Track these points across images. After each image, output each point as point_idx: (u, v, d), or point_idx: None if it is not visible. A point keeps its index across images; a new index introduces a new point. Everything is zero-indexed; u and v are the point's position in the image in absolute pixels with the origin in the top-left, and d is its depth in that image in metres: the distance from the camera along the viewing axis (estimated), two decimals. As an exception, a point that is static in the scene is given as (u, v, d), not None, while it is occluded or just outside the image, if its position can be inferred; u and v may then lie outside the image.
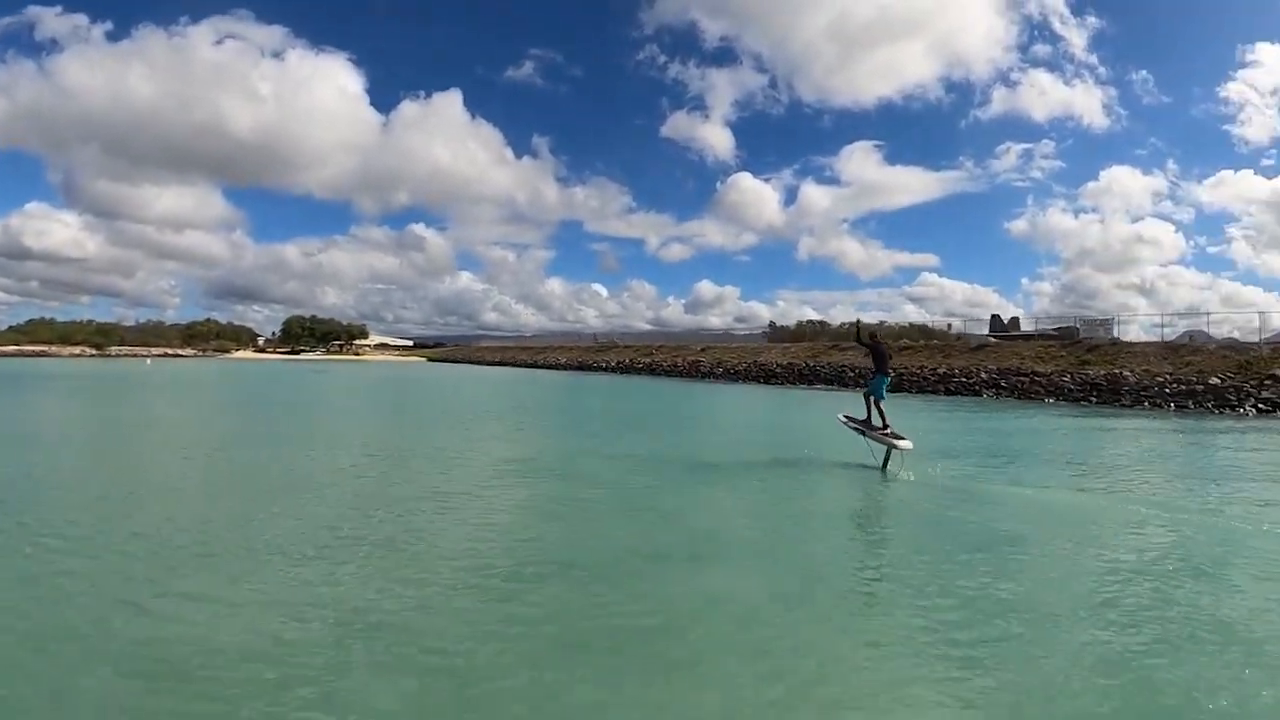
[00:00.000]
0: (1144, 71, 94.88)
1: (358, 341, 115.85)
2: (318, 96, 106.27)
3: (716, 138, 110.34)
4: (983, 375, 37.90)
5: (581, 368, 69.28)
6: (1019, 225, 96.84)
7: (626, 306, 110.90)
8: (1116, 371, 33.92)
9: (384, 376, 54.83)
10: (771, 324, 73.33)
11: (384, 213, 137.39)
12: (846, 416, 13.22)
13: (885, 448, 11.65)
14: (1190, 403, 29.41)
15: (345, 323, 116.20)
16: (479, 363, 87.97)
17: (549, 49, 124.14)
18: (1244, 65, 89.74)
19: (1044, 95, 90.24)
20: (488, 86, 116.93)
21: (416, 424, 20.47)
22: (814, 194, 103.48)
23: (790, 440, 17.72)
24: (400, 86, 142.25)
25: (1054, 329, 43.30)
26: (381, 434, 17.81)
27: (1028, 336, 43.25)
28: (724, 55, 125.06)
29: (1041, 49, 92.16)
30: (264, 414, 22.45)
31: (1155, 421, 24.12)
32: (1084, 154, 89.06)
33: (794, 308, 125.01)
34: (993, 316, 47.50)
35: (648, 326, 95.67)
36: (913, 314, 78.03)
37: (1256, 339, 36.23)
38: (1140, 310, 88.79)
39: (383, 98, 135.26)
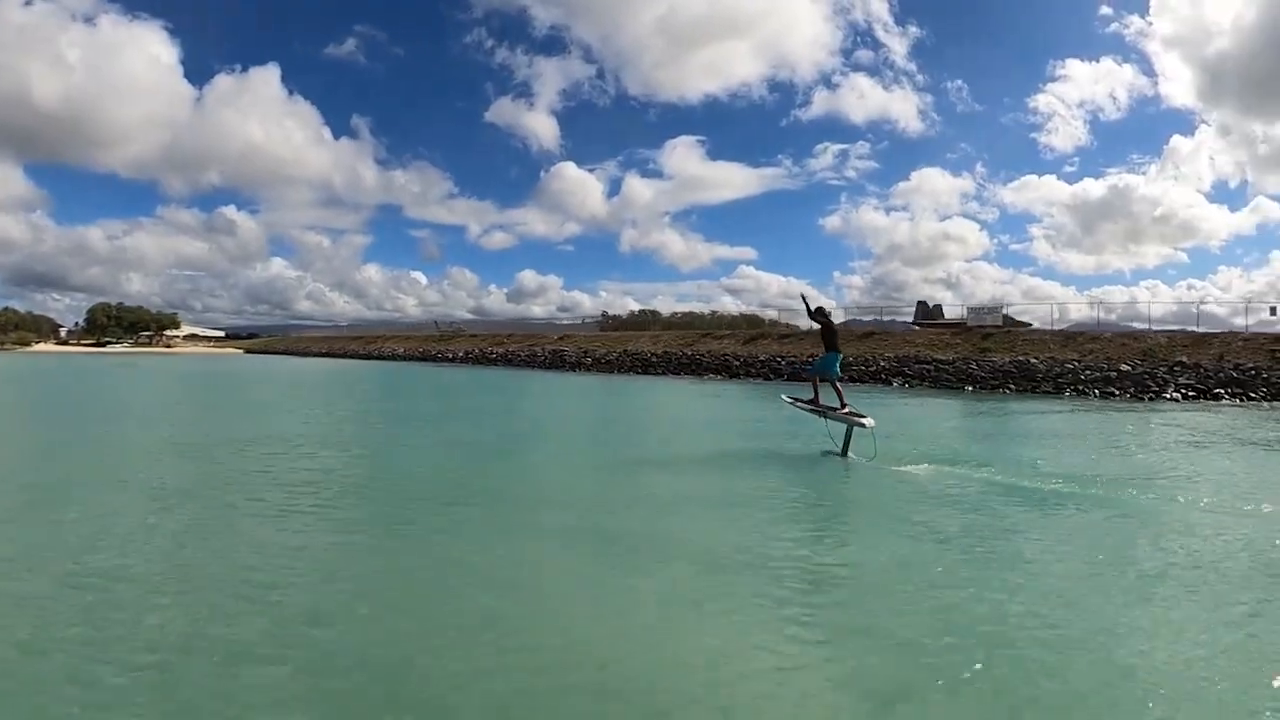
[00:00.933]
0: (959, 80, 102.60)
1: (168, 332, 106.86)
2: (129, 66, 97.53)
3: (541, 126, 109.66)
4: (880, 363, 34.45)
5: (425, 358, 60.35)
6: (833, 221, 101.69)
7: (447, 295, 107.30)
8: (1023, 359, 31.56)
9: (207, 370, 43.80)
10: (604, 314, 72.71)
11: (193, 194, 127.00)
12: (793, 399, 12.44)
13: (846, 429, 11.05)
14: (1113, 389, 27.23)
15: (155, 312, 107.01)
16: (302, 354, 76.13)
17: (373, 26, 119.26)
18: (1054, 79, 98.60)
19: (863, 99, 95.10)
20: (307, 63, 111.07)
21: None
22: (637, 186, 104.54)
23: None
24: (216, 59, 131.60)
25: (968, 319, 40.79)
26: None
27: (956, 325, 40.29)
28: (553, 44, 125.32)
29: (864, 54, 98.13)
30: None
31: (1092, 408, 22.51)
32: (898, 156, 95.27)
33: (617, 298, 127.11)
34: (919, 303, 44.48)
35: (469, 315, 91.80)
36: (730, 305, 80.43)
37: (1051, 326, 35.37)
38: (946, 302, 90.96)
39: (197, 70, 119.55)
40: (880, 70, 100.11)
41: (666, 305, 73.00)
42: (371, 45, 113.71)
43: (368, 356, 67.10)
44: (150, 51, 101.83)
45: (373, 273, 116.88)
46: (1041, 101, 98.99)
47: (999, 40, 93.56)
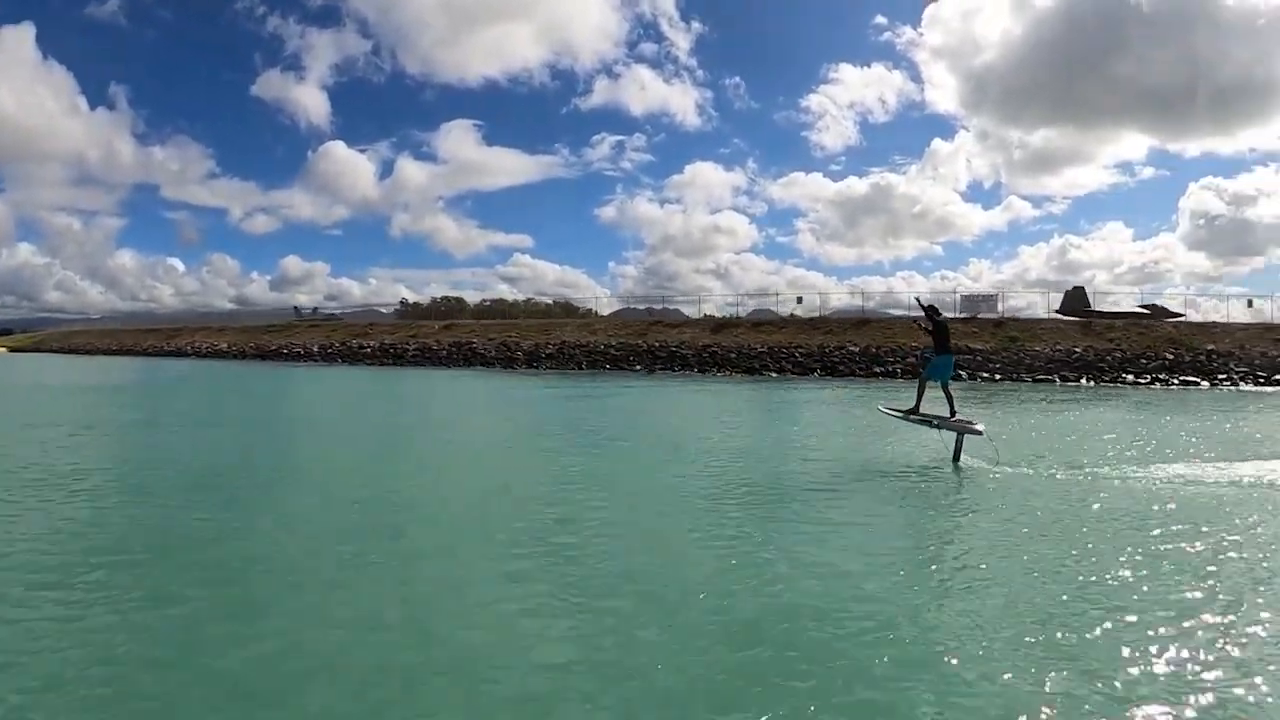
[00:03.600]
0: (737, 78, 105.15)
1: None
2: None
3: (312, 102, 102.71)
4: (851, 351, 30.98)
5: (264, 355, 47.01)
6: (608, 211, 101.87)
7: (206, 283, 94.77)
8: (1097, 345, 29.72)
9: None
10: (403, 301, 67.08)
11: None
12: (891, 408, 11.15)
13: (957, 436, 9.90)
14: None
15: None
16: (83, 351, 57.34)
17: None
18: (827, 81, 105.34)
19: (644, 91, 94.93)
20: (66, 23, 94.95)
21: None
22: (410, 169, 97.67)
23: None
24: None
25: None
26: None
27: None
28: (327, 15, 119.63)
29: (648, 47, 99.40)
30: None
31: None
32: (673, 149, 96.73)
33: (387, 285, 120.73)
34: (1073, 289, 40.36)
35: (230, 305, 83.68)
36: (505, 293, 78.68)
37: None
38: (715, 291, 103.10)
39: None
40: (662, 64, 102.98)
41: (440, 293, 72.97)
42: (136, 7, 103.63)
43: (177, 353, 51.69)
44: None
45: (127, 259, 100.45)
46: (814, 102, 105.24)
47: (778, 41, 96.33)
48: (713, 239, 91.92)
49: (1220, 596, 4.82)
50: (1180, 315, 35.70)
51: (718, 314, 44.06)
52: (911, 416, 10.41)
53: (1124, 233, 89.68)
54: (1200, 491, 8.14)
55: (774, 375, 30.10)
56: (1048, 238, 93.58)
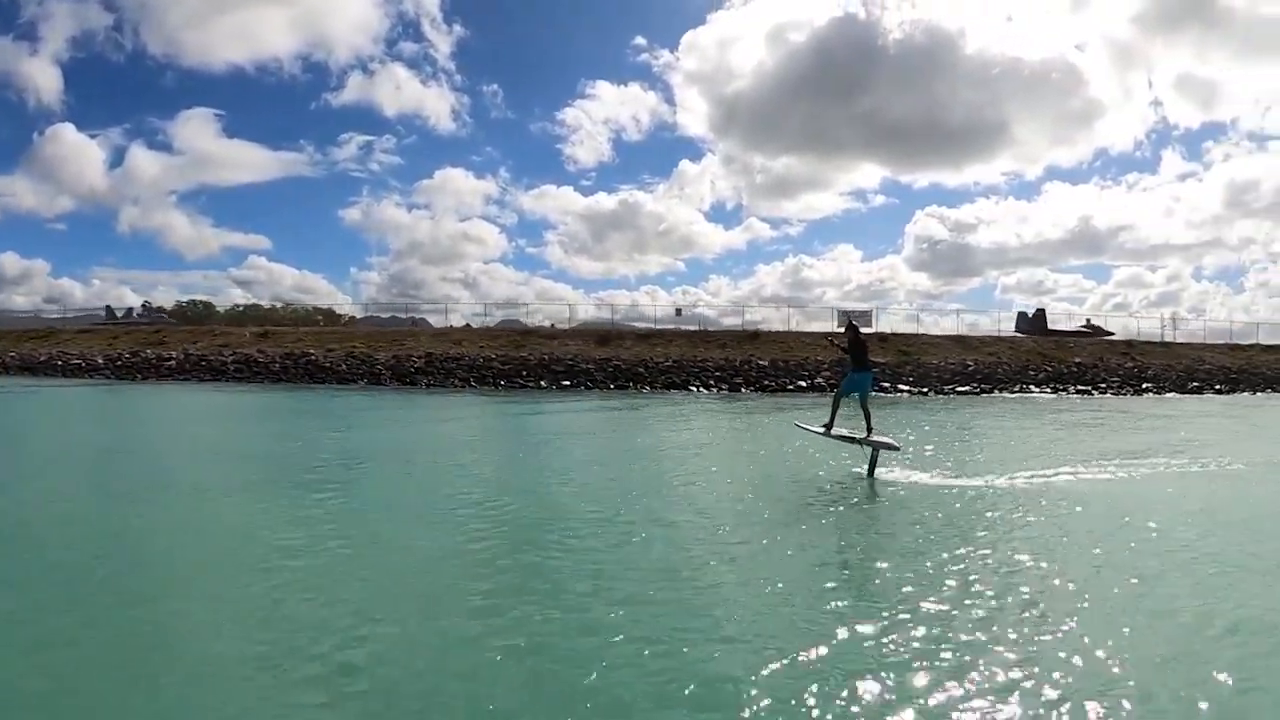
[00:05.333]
0: (496, 85, 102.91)
1: None
2: None
3: (44, 77, 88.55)
4: (761, 365, 30.01)
5: (29, 368, 36.28)
6: (353, 214, 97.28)
7: None
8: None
9: None
10: (146, 304, 58.56)
11: None
12: (806, 425, 10.97)
13: (872, 451, 9.88)
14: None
15: None
16: None
17: None
18: (584, 96, 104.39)
19: (399, 91, 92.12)
20: None
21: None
22: (143, 159, 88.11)
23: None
24: None
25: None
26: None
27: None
28: None
29: (408, 46, 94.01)
30: None
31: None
32: (424, 153, 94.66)
33: (112, 288, 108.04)
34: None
35: None
36: (239, 298, 75.30)
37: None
38: (463, 300, 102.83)
39: None
40: (421, 64, 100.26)
41: (168, 297, 67.39)
42: None
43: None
44: None
45: None
46: (570, 115, 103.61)
47: (539, 53, 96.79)
48: (462, 247, 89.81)
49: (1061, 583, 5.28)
50: (1111, 334, 39.53)
51: (462, 322, 43.05)
52: (830, 434, 10.27)
53: (854, 254, 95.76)
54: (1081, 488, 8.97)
55: (712, 391, 27.61)
56: (783, 257, 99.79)
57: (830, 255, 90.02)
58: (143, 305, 58.74)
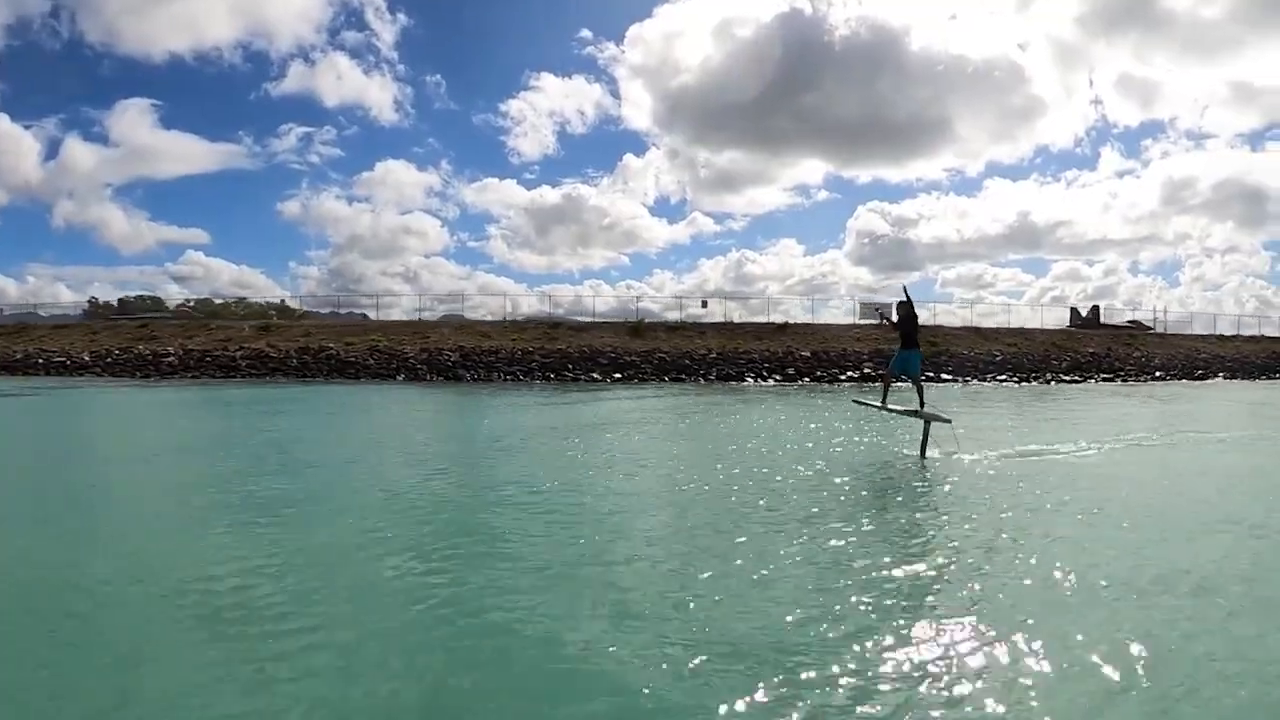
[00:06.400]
0: (439, 76, 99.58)
1: None
2: None
3: None
4: (804, 356, 30.88)
5: (5, 366, 33.54)
6: (292, 208, 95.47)
7: None
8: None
9: None
10: (93, 300, 57.04)
11: None
12: (870, 403, 11.65)
13: (924, 426, 10.12)
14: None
15: None
16: None
17: None
18: (528, 88, 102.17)
19: (340, 81, 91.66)
20: None
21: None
22: (79, 151, 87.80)
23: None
24: None
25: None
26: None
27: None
28: None
29: (351, 36, 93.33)
30: None
31: None
32: (365, 144, 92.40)
33: (47, 285, 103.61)
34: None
35: None
36: (176, 294, 75.03)
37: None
38: (404, 295, 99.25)
39: None
40: (363, 54, 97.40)
41: (104, 294, 65.82)
42: None
43: None
44: None
45: None
46: (514, 107, 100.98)
47: (483, 44, 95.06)
48: (402, 240, 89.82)
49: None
50: (1149, 328, 41.68)
51: (404, 316, 42.12)
52: (887, 409, 10.85)
53: (796, 249, 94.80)
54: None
55: (767, 382, 28.10)
56: (726, 251, 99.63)
57: (773, 250, 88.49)
58: (89, 301, 56.25)
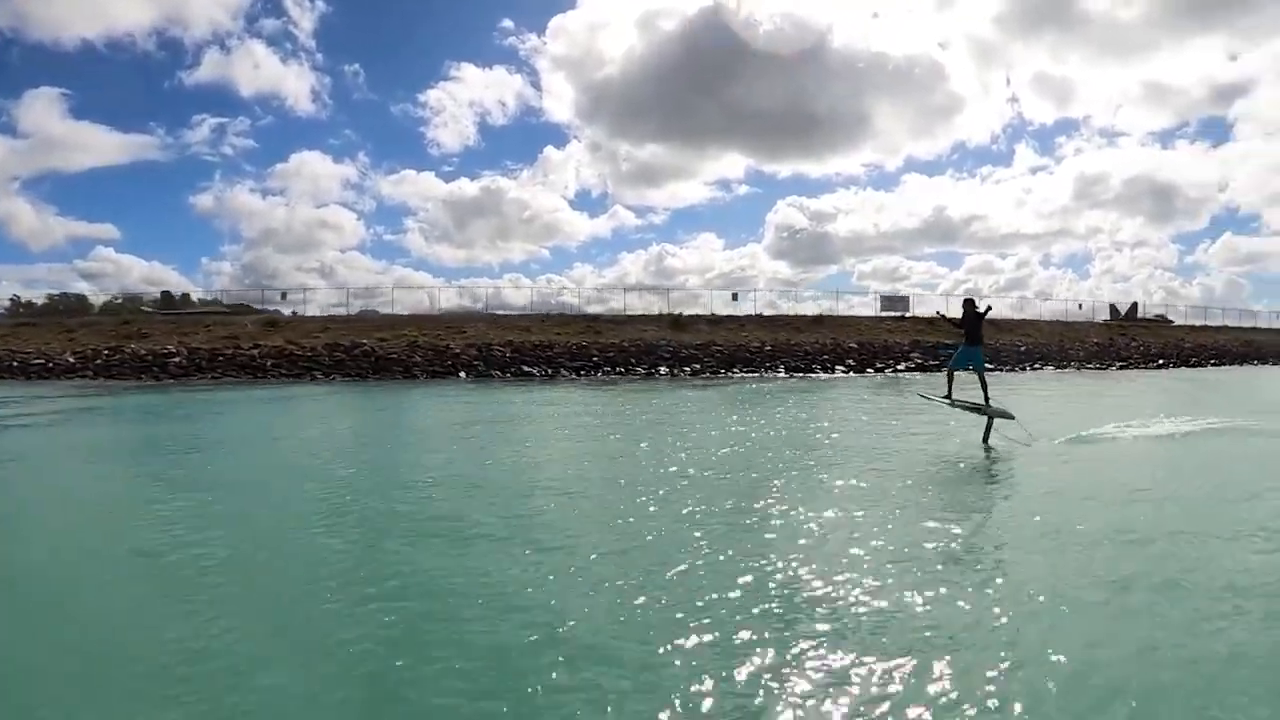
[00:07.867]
0: (358, 65, 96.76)
1: None
2: None
3: None
4: (850, 346, 32.41)
5: (119, 369, 30.18)
6: (205, 201, 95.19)
7: None
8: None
9: None
10: (15, 298, 52.62)
11: None
12: (934, 397, 12.10)
13: (987, 420, 10.86)
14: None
15: None
16: None
17: None
18: (448, 79, 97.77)
19: (257, 70, 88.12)
20: None
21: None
22: None
23: None
24: None
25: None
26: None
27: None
28: None
29: (269, 23, 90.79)
30: None
31: None
32: (280, 135, 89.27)
33: None
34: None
35: None
36: (85, 291, 72.56)
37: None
38: (320, 290, 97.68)
39: None
40: (281, 42, 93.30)
41: (12, 293, 62.56)
42: None
43: None
44: None
45: None
46: (433, 98, 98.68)
47: (403, 32, 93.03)
48: (318, 234, 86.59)
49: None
50: (1171, 321, 45.23)
51: (321, 312, 42.14)
52: (955, 403, 11.10)
53: (716, 243, 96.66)
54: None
55: (837, 371, 29.00)
56: (647, 245, 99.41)
57: (693, 244, 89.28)
58: (10, 300, 51.57)
